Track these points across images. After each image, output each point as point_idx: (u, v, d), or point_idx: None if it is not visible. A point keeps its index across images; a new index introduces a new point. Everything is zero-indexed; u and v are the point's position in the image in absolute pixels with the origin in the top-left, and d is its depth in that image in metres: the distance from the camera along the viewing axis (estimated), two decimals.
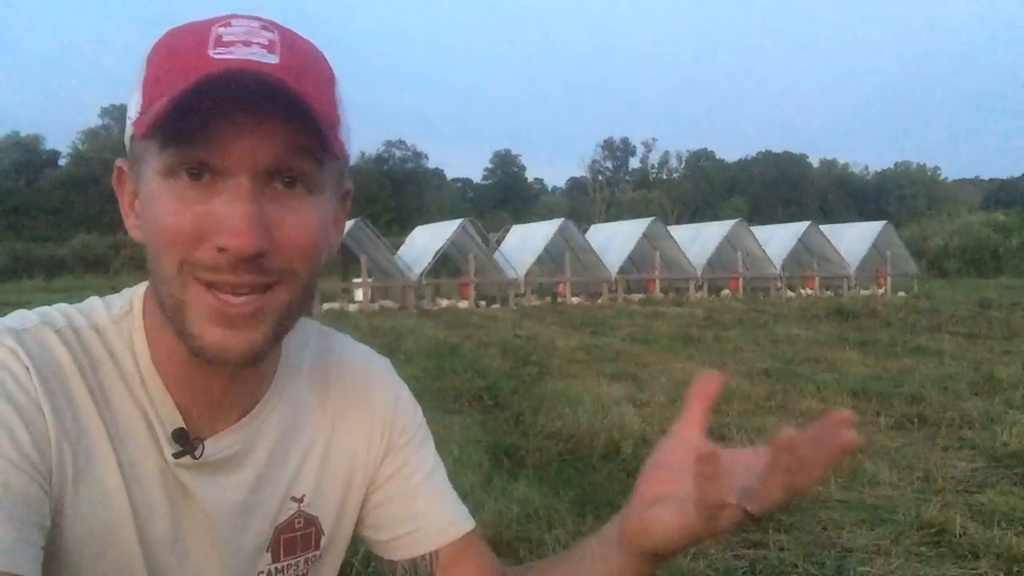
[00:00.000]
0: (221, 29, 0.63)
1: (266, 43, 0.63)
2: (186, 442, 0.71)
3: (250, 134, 0.61)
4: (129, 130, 0.67)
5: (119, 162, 0.71)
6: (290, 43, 0.65)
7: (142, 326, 0.72)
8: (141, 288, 0.75)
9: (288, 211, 0.64)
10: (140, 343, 0.71)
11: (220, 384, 0.72)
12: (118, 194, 0.72)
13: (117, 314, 0.73)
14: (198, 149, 0.61)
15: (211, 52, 0.61)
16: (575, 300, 18.83)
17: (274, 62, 0.62)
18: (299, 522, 0.80)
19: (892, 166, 75.61)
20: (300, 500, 0.80)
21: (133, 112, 0.65)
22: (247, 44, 0.62)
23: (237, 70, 0.59)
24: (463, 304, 17.59)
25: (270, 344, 0.66)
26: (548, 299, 19.21)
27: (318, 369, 0.85)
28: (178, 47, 0.63)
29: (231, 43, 0.62)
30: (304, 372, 0.83)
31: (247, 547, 0.77)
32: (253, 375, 0.75)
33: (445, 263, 19.81)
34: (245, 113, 0.60)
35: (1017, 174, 76.18)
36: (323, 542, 0.83)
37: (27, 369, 0.64)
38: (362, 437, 0.85)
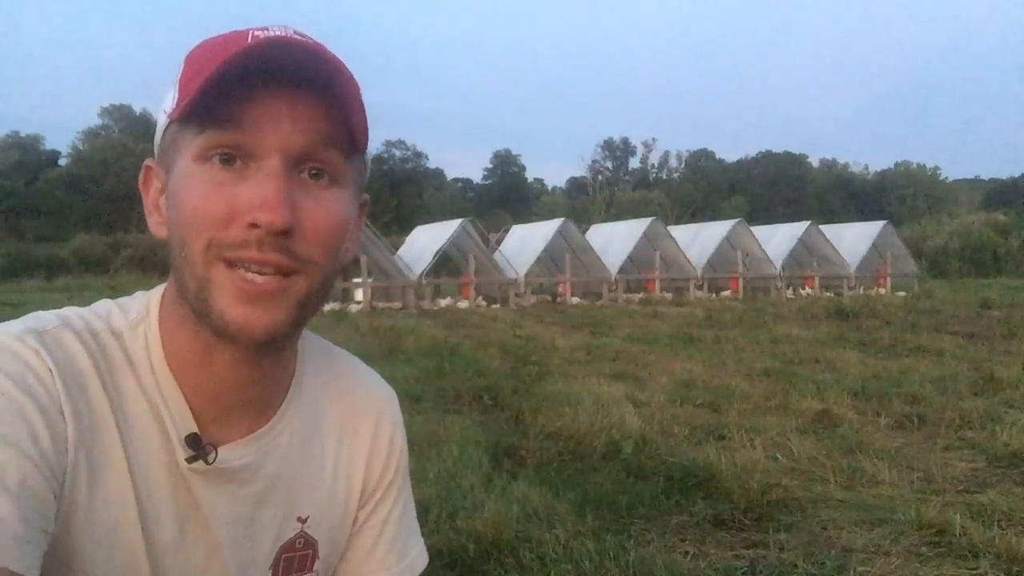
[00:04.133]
0: (258, 32, 0.65)
1: (296, 36, 0.65)
2: (199, 447, 0.71)
3: (285, 118, 0.63)
4: (162, 125, 0.68)
5: (147, 161, 0.73)
6: (324, 48, 0.67)
7: (158, 330, 0.73)
8: (157, 292, 0.76)
9: (314, 200, 0.66)
10: (156, 347, 0.72)
11: (234, 386, 0.73)
12: (143, 193, 0.73)
13: (135, 319, 0.73)
14: (234, 130, 0.63)
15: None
16: (575, 300, 18.83)
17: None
18: (300, 542, 0.80)
19: (892, 166, 75.49)
20: (304, 521, 0.80)
21: (168, 107, 0.67)
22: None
23: (280, 40, 0.62)
24: (463, 304, 17.59)
25: (288, 327, 0.67)
26: (548, 298, 19.20)
27: (331, 392, 0.85)
28: (216, 44, 0.65)
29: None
30: (318, 392, 0.84)
31: (250, 561, 0.77)
32: (266, 380, 0.75)
33: (445, 263, 19.82)
34: (282, 94, 0.63)
35: (1017, 174, 76.06)
36: (317, 566, 0.82)
37: (50, 371, 0.65)
38: (361, 466, 0.86)
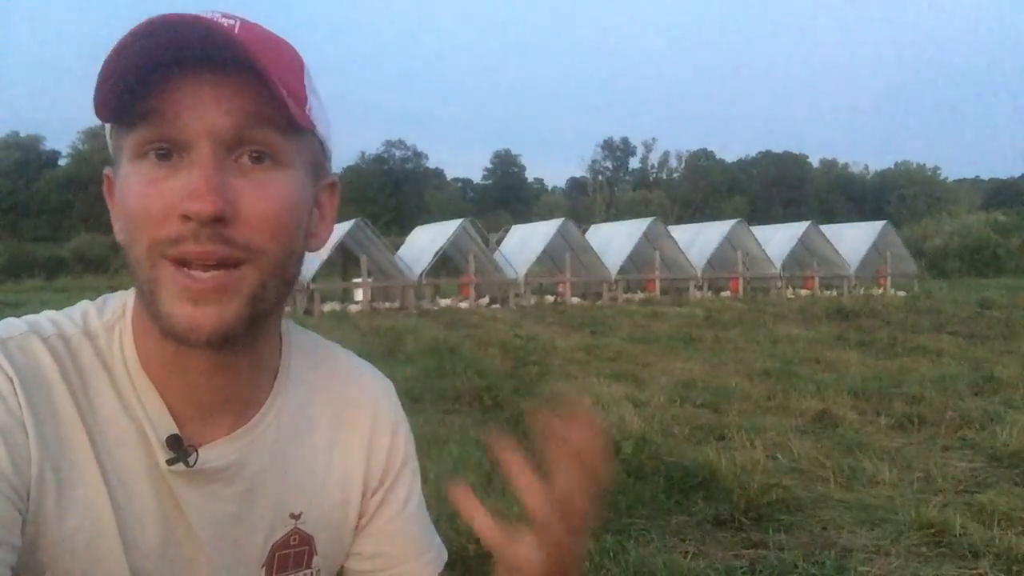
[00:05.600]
0: (168, 15, 0.61)
1: (222, 19, 0.62)
2: (180, 449, 0.69)
3: (208, 102, 0.61)
4: (108, 131, 0.67)
5: (106, 170, 0.71)
6: (252, 25, 0.64)
7: (131, 330, 0.71)
8: (133, 291, 0.73)
9: (254, 184, 0.63)
10: (130, 348, 0.70)
11: (210, 384, 0.71)
12: (108, 203, 0.71)
13: (110, 319, 0.72)
14: (159, 123, 0.60)
15: None
16: (575, 300, 18.83)
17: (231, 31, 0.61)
18: (294, 540, 0.79)
19: (892, 166, 75.58)
20: (297, 517, 0.79)
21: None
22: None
23: (181, 20, 0.58)
24: (463, 304, 17.59)
25: (241, 323, 0.64)
26: (548, 298, 19.21)
27: (321, 386, 0.83)
28: (123, 36, 0.61)
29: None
30: (306, 387, 0.82)
31: (239, 560, 0.75)
32: (244, 378, 0.74)
33: (445, 263, 19.80)
34: (202, 78, 0.60)
35: (1017, 174, 76.06)
36: (315, 562, 0.81)
37: (11, 381, 0.63)
38: (360, 462, 0.84)
